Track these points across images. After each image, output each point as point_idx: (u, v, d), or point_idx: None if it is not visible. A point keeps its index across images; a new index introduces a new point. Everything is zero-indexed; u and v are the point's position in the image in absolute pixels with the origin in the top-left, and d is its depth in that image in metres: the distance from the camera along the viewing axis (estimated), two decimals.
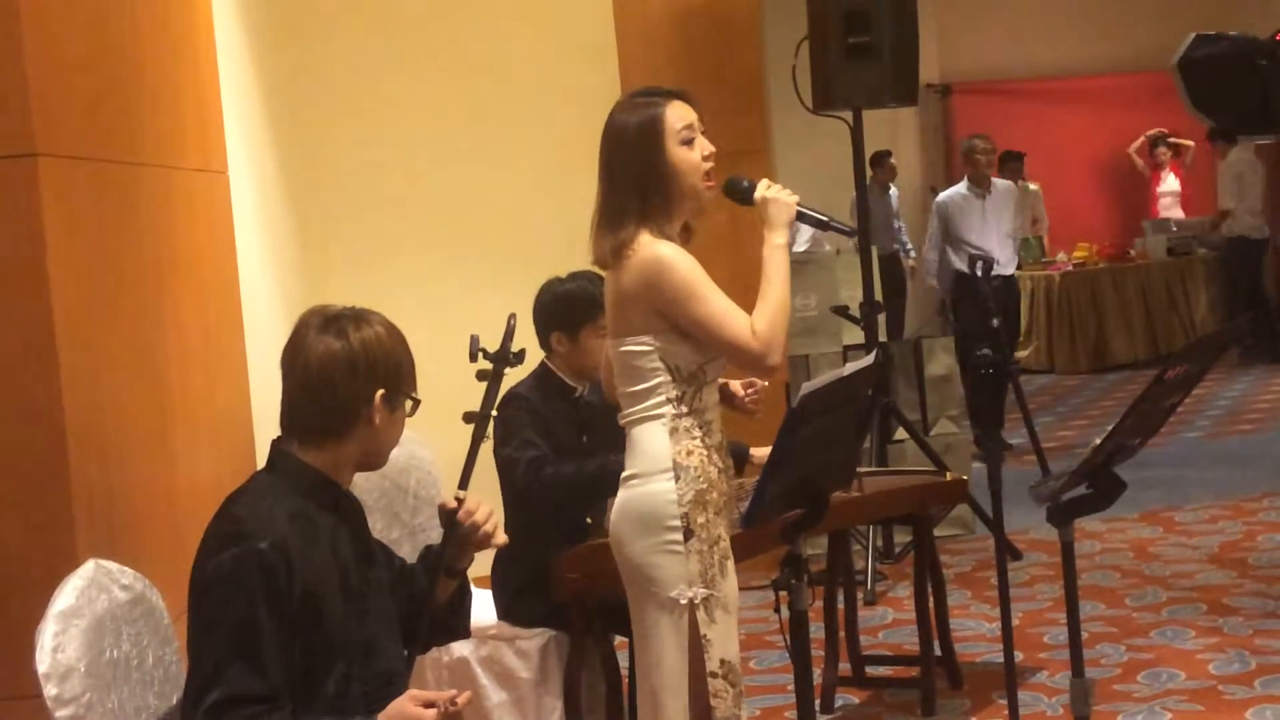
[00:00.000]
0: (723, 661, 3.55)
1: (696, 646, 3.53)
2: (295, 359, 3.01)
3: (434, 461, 4.91)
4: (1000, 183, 9.48)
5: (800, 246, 10.24)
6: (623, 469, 4.33)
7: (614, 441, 4.71)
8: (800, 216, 3.74)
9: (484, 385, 3.22)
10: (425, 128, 6.62)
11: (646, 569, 3.54)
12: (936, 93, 15.83)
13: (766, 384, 4.02)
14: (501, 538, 3.16)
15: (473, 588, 4.95)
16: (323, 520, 2.98)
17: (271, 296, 5.53)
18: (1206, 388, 11.86)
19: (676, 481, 3.51)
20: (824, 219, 3.81)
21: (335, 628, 2.90)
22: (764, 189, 3.70)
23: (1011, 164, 13.37)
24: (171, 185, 4.40)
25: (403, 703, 2.78)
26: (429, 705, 2.77)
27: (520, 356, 3.22)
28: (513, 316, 3.24)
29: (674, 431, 3.54)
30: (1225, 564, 6.88)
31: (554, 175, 6.45)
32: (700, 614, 3.52)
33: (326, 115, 6.49)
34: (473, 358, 3.18)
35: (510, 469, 4.55)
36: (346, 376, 2.96)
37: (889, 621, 6.44)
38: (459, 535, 3.11)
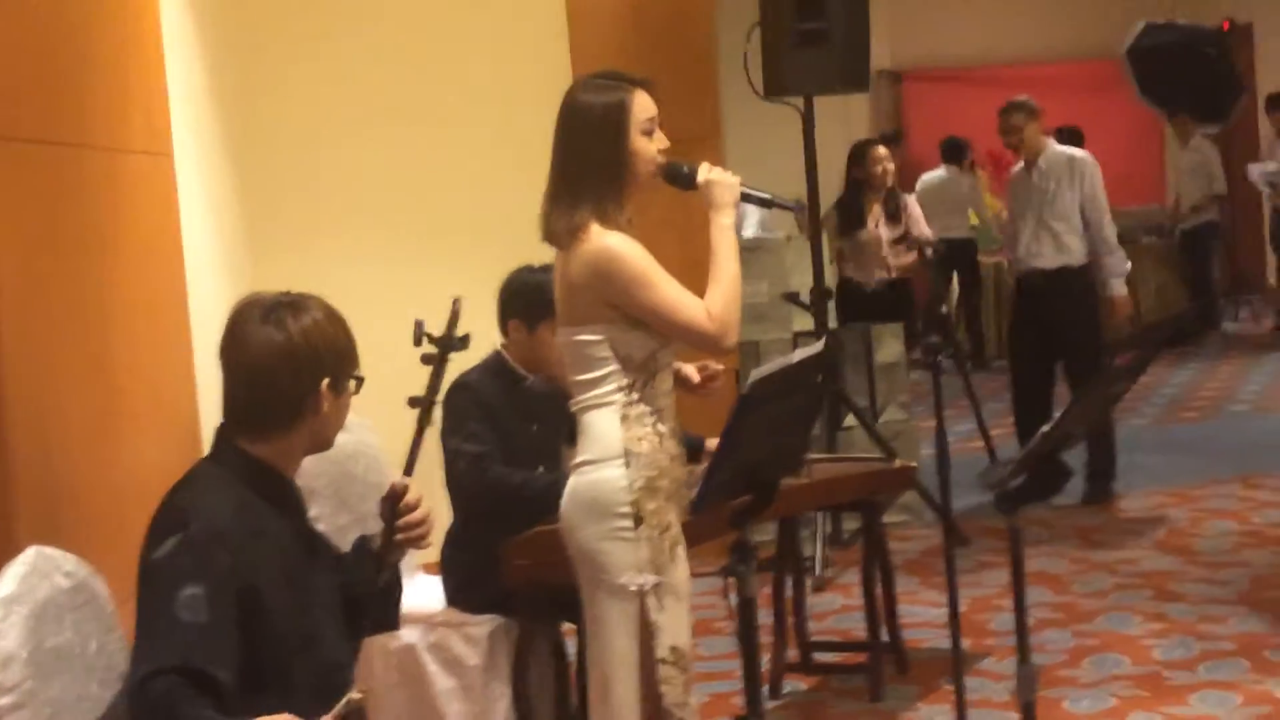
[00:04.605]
0: (673, 649, 3.55)
1: (646, 633, 3.52)
2: (235, 354, 2.97)
3: (382, 448, 4.89)
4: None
5: (748, 232, 10.19)
6: None
7: (564, 432, 4.71)
8: (744, 197, 3.74)
9: (429, 369, 3.19)
10: (373, 111, 6.58)
11: (596, 555, 3.54)
12: (888, 79, 15.86)
13: (723, 367, 4.02)
14: (429, 544, 3.16)
15: (422, 574, 4.97)
16: (268, 512, 2.95)
17: (217, 281, 5.49)
18: (1152, 376, 11.93)
19: (627, 468, 3.51)
20: (767, 197, 3.82)
21: (279, 619, 2.87)
22: (705, 172, 3.70)
23: (959, 151, 13.43)
24: (116, 168, 4.35)
25: None
26: None
27: (465, 341, 3.19)
28: (457, 300, 3.21)
29: (625, 418, 3.54)
30: (1170, 550, 6.93)
31: (503, 159, 6.41)
32: (650, 600, 3.52)
33: (272, 99, 6.44)
34: (417, 342, 3.15)
35: (454, 461, 4.53)
36: (289, 371, 2.93)
37: (837, 608, 6.45)
38: (397, 529, 3.09)
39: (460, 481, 4.55)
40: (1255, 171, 13.63)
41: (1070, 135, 12.94)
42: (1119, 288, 8.03)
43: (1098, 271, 8.05)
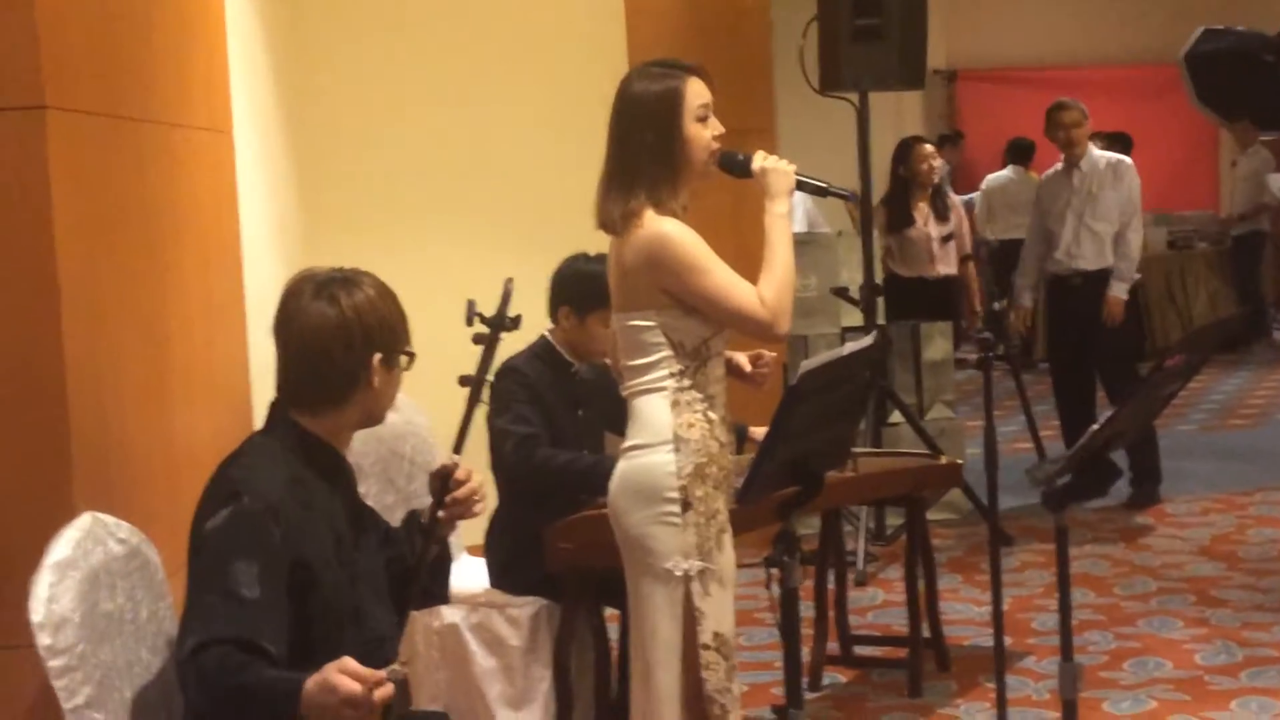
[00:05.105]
0: (716, 634, 3.56)
1: (690, 619, 3.53)
2: (289, 329, 3.00)
3: (430, 428, 4.92)
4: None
5: (797, 227, 10.17)
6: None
7: (609, 418, 4.73)
8: (799, 185, 3.74)
9: (477, 351, 3.21)
10: (430, 92, 6.61)
11: (643, 540, 3.55)
12: (942, 78, 15.80)
13: (775, 355, 4.02)
14: (480, 512, 3.18)
15: (466, 555, 5.00)
16: (319, 486, 2.98)
17: (271, 257, 5.53)
18: (1201, 382, 11.88)
19: (676, 454, 3.51)
20: (823, 186, 3.81)
21: (328, 593, 2.91)
22: (761, 159, 3.71)
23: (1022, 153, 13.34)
24: (177, 143, 4.39)
25: (330, 670, 2.64)
26: (358, 679, 2.62)
27: (517, 322, 3.21)
28: (509, 281, 3.23)
29: (676, 404, 3.55)
30: (1215, 556, 6.90)
31: (558, 143, 6.44)
32: (695, 586, 3.53)
33: (330, 78, 6.49)
34: (469, 321, 3.17)
35: (501, 442, 4.56)
36: (342, 346, 2.96)
37: (879, 603, 6.46)
38: (444, 505, 3.11)
39: (506, 462, 4.58)
40: (1276, 182, 13.49)
41: (1120, 141, 12.89)
42: (1119, 291, 7.94)
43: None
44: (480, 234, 6.56)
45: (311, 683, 2.63)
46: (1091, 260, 7.97)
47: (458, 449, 3.12)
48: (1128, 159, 8.15)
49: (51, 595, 2.80)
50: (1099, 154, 8.10)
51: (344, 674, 2.62)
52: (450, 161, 6.59)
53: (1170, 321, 13.92)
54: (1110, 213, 7.93)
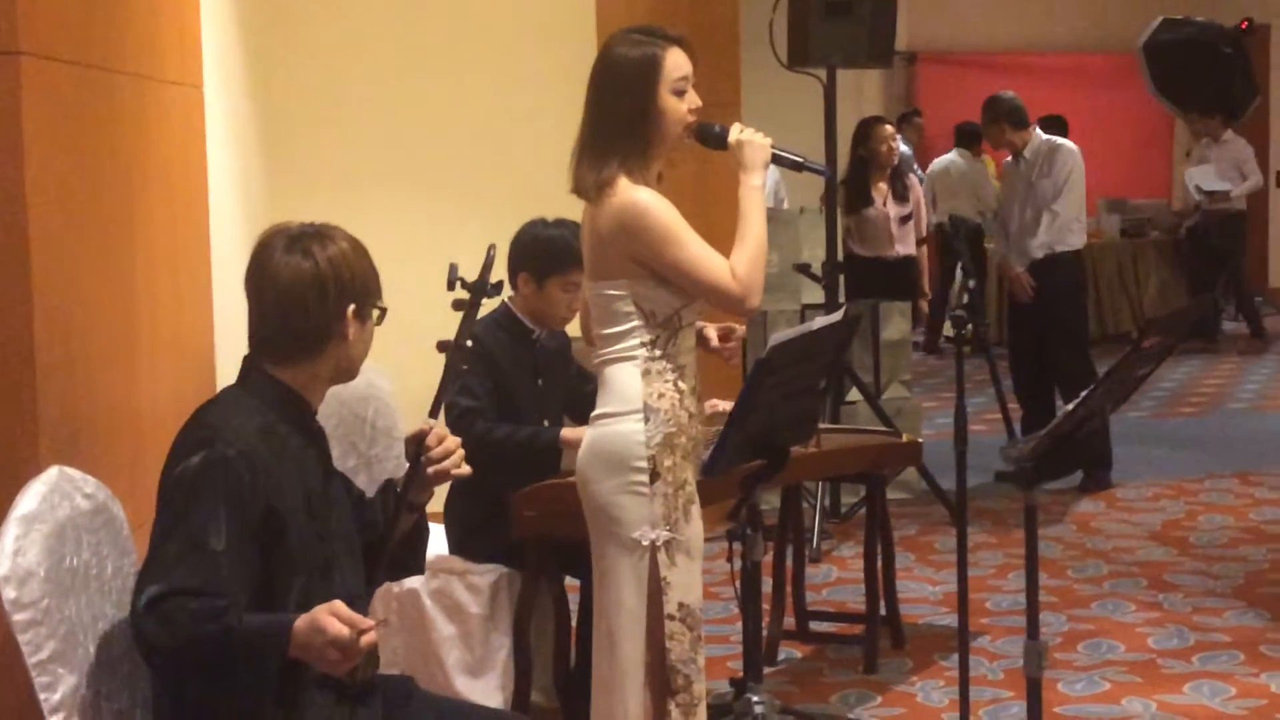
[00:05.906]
0: (681, 605, 3.54)
1: (656, 589, 3.52)
2: (262, 281, 2.98)
3: (393, 393, 4.89)
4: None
5: (768, 201, 10.15)
6: (556, 440, 4.33)
7: (566, 387, 4.72)
8: (775, 158, 3.73)
9: (454, 316, 3.18)
10: (400, 54, 6.56)
11: (610, 509, 3.53)
12: (903, 60, 15.81)
13: (743, 330, 4.01)
14: (464, 470, 3.15)
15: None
16: (291, 438, 2.97)
17: (239, 215, 5.48)
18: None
19: (646, 423, 3.50)
20: (799, 160, 3.81)
21: (297, 545, 2.89)
22: (737, 132, 3.69)
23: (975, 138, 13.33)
24: (148, 96, 4.33)
25: (320, 612, 2.68)
26: (347, 623, 2.66)
27: (498, 288, 3.19)
28: (492, 247, 3.20)
29: (647, 374, 3.53)
30: (1166, 541, 6.94)
31: (532, 107, 6.39)
32: (661, 556, 3.51)
33: (301, 38, 6.43)
34: (450, 286, 3.14)
35: (447, 412, 4.53)
36: (317, 298, 2.95)
37: (833, 580, 6.47)
38: (422, 468, 3.09)
39: (452, 432, 4.54)
40: (1193, 177, 13.50)
41: (1056, 125, 12.86)
42: (1016, 262, 8.13)
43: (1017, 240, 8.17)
44: (447, 199, 6.51)
45: (301, 622, 2.68)
46: (1037, 247, 8.05)
47: (434, 413, 3.10)
48: (1068, 143, 8.21)
49: (18, 549, 2.76)
50: (1043, 139, 8.16)
51: (333, 616, 2.65)
52: (418, 125, 6.54)
53: (1121, 308, 14.02)
54: (1046, 199, 8.01)
